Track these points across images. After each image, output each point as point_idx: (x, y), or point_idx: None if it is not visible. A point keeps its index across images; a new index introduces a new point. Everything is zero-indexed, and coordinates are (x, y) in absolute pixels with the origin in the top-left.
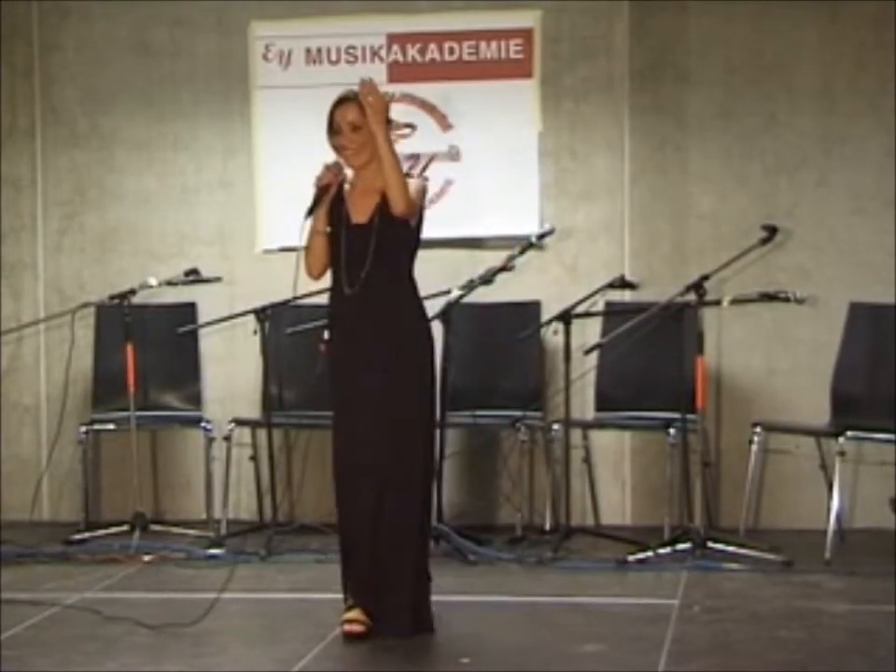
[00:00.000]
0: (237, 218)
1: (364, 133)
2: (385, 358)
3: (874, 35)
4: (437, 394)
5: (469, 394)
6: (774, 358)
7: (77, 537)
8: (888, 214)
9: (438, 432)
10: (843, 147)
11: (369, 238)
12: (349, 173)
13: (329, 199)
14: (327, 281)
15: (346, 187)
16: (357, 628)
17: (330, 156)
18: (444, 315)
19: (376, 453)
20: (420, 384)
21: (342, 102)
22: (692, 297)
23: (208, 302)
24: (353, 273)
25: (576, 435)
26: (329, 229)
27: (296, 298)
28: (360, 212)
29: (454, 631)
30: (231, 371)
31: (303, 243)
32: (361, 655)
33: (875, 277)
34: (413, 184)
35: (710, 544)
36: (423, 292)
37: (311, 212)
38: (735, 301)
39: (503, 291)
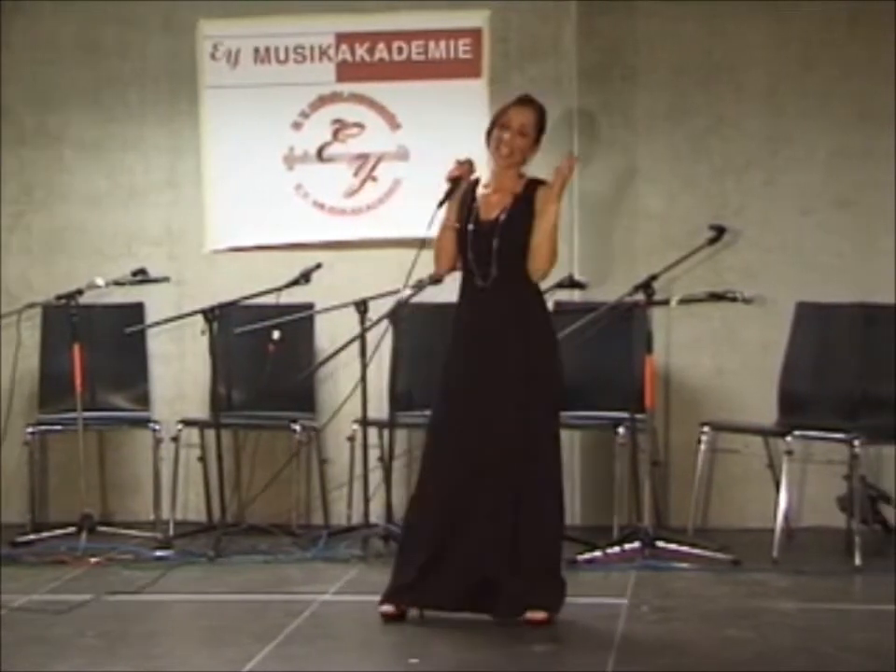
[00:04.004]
0: (185, 218)
1: (526, 141)
2: (506, 353)
3: (820, 35)
4: (560, 392)
5: (418, 394)
6: (722, 358)
7: (24, 538)
8: (834, 214)
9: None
10: (790, 147)
11: (495, 230)
12: (482, 174)
13: (461, 194)
14: (275, 282)
15: (481, 189)
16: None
17: (275, 156)
18: (393, 314)
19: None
20: (538, 381)
21: (523, 103)
22: (640, 297)
23: (156, 303)
24: (482, 268)
25: None
26: (458, 225)
27: (243, 298)
28: (490, 210)
29: (403, 631)
30: (180, 371)
31: (433, 233)
32: (311, 656)
33: (821, 277)
34: (554, 254)
35: (659, 544)
36: (371, 292)
37: (442, 203)
38: (683, 301)
39: (452, 291)
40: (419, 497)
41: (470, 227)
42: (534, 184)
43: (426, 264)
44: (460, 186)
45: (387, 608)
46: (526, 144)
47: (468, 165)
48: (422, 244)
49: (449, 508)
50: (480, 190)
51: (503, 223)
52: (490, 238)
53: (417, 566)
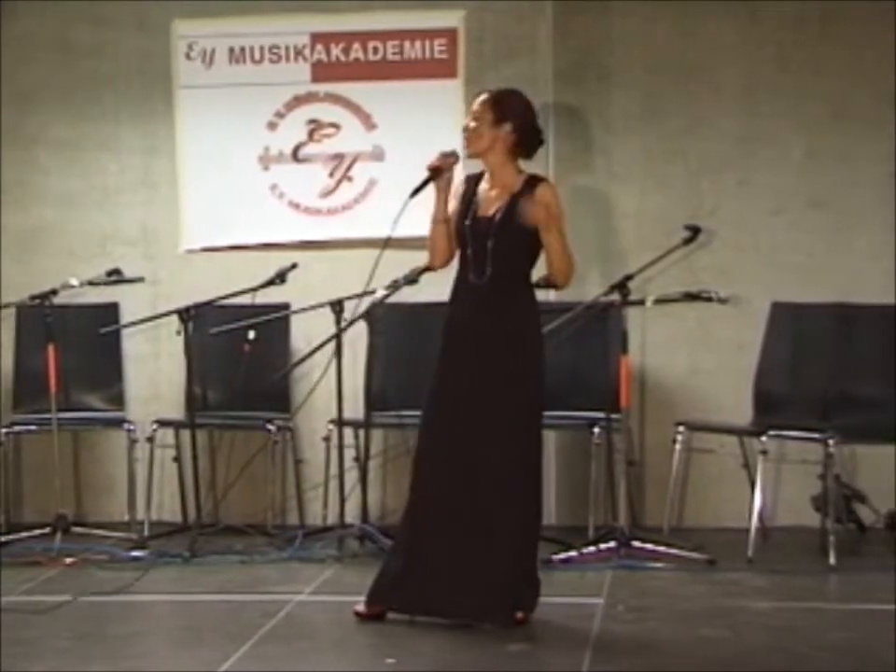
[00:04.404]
0: (160, 219)
1: (482, 126)
2: (492, 351)
3: (794, 35)
4: (542, 393)
5: (394, 394)
6: (697, 358)
7: None
8: (808, 214)
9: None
10: (765, 147)
11: (490, 229)
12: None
13: (445, 186)
14: (250, 282)
15: (483, 184)
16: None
17: (250, 156)
18: (369, 315)
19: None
20: (521, 381)
21: (482, 92)
22: (615, 297)
23: (131, 303)
24: (477, 264)
25: None
26: (448, 219)
27: (219, 298)
28: (488, 206)
29: (379, 631)
30: (154, 371)
31: (401, 228)
32: (287, 656)
33: (796, 277)
34: (569, 261)
35: (635, 543)
36: (347, 292)
37: (415, 192)
38: (658, 301)
39: (428, 292)
40: (410, 500)
41: (467, 223)
42: (533, 181)
43: (399, 264)
44: (443, 178)
45: (361, 608)
46: (483, 129)
47: (452, 159)
48: (386, 242)
49: (433, 511)
50: (482, 185)
51: (498, 223)
52: (486, 236)
53: (398, 570)
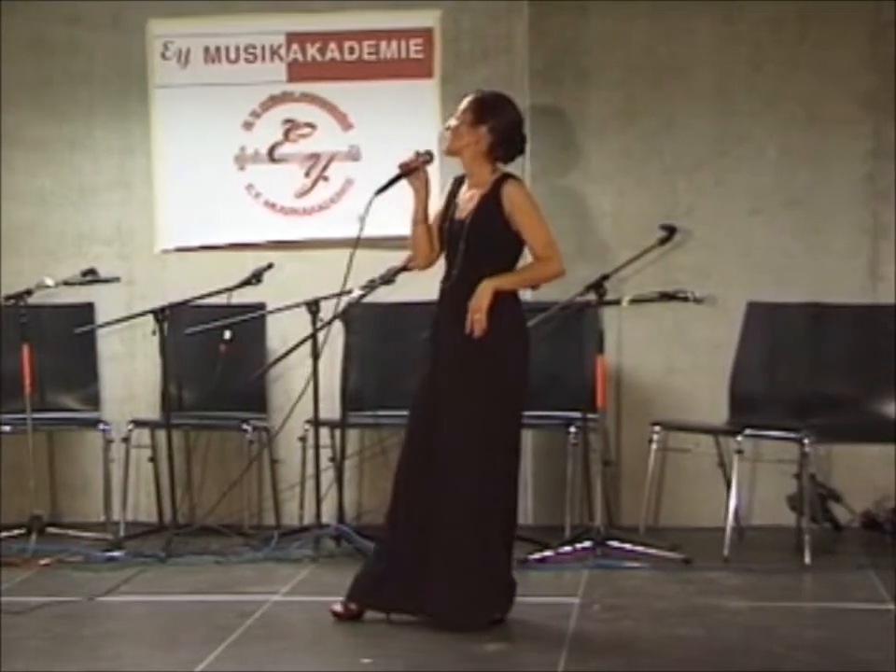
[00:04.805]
0: (136, 218)
1: (460, 128)
2: (461, 354)
3: (769, 35)
4: (517, 398)
5: (370, 394)
6: (673, 357)
7: None
8: (784, 214)
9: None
10: (740, 147)
11: (462, 232)
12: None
13: (422, 187)
14: (226, 282)
15: (463, 187)
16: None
17: (226, 156)
18: (345, 314)
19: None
20: (492, 384)
21: (470, 93)
22: (592, 296)
23: (106, 303)
24: (449, 267)
25: None
26: (424, 221)
27: (194, 298)
28: (464, 208)
29: (355, 631)
30: (130, 371)
31: (366, 227)
32: (263, 656)
33: (772, 277)
34: (543, 242)
35: (611, 543)
36: (324, 292)
37: (382, 190)
38: (634, 301)
39: (404, 291)
40: (390, 501)
41: (446, 225)
42: (502, 178)
43: (376, 263)
44: (415, 177)
45: (339, 607)
46: (463, 128)
47: (425, 157)
48: (356, 242)
49: (409, 514)
50: (462, 187)
51: (469, 225)
52: (459, 238)
53: (377, 570)
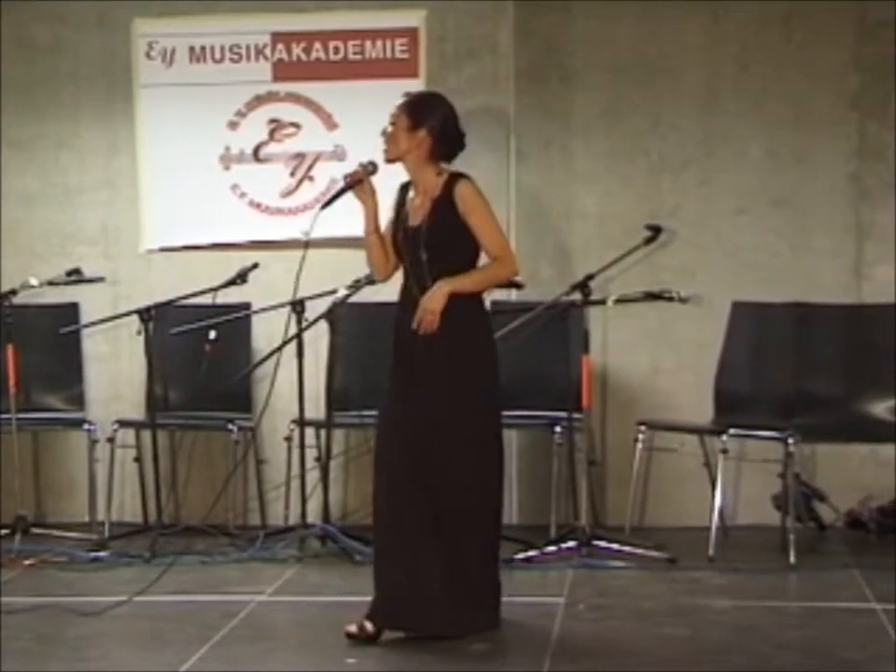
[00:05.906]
0: (121, 218)
1: (397, 134)
2: (437, 358)
3: (756, 36)
4: (492, 398)
5: (355, 394)
6: (658, 357)
7: None
8: (769, 213)
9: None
10: (726, 147)
11: (419, 240)
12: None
13: (368, 198)
14: (211, 282)
15: (410, 193)
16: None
17: (211, 156)
18: (330, 314)
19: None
20: (468, 388)
21: (401, 97)
22: (577, 296)
23: (91, 303)
24: (416, 277)
25: None
26: (375, 232)
27: (180, 298)
28: (415, 215)
29: (340, 631)
30: (115, 371)
31: (313, 232)
32: (248, 656)
33: (757, 276)
34: (497, 243)
35: (596, 542)
36: (309, 292)
37: (326, 204)
38: (619, 301)
39: (390, 291)
40: (374, 517)
41: (400, 235)
42: (453, 179)
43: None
44: (361, 188)
45: (353, 628)
46: (399, 133)
47: (368, 168)
48: (306, 245)
49: (389, 527)
50: (409, 194)
51: (426, 234)
52: (418, 247)
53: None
